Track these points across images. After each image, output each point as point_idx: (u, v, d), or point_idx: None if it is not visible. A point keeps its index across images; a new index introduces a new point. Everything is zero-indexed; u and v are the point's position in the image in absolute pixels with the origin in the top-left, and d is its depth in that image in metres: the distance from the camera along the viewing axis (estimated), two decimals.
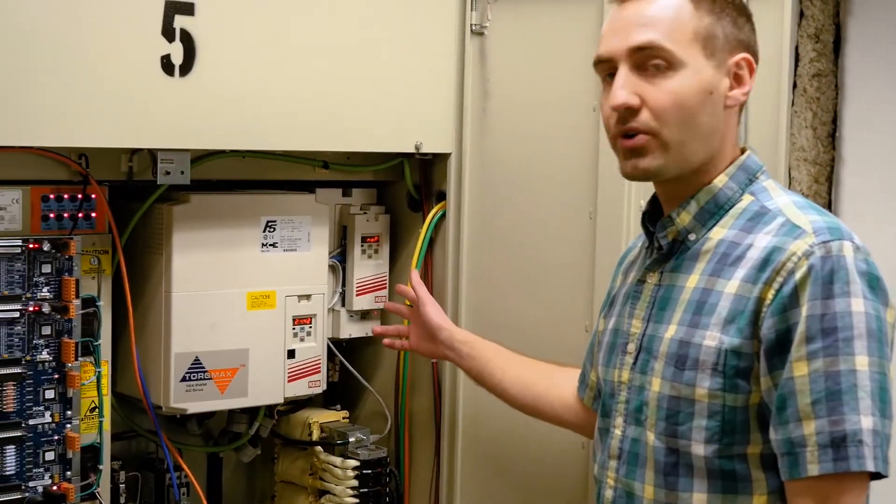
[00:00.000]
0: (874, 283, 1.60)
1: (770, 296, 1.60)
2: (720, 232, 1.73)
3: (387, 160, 2.92)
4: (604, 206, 2.60)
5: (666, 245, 1.76)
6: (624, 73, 1.69)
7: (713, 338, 1.64)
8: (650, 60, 1.68)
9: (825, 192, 2.95)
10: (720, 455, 1.64)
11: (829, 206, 2.83)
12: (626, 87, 1.68)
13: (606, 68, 1.74)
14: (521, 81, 2.76)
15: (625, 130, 1.70)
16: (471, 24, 2.80)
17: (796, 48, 2.68)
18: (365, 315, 2.99)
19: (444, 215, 2.90)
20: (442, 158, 2.88)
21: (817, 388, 1.55)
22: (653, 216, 1.85)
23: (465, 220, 2.85)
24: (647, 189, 2.53)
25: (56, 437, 2.40)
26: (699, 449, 1.65)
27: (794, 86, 2.90)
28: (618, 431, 1.78)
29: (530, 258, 2.76)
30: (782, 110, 2.43)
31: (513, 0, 2.75)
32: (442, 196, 2.92)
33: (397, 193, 3.03)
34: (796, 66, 2.90)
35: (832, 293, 1.57)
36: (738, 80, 1.75)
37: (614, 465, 1.78)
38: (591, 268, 2.56)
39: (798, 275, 1.59)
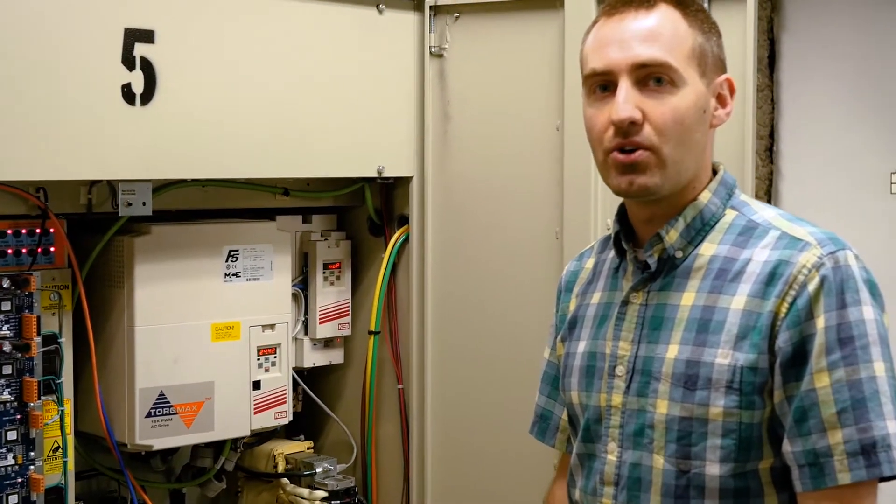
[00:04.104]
0: (874, 290, 1.61)
1: (784, 309, 1.59)
2: (710, 248, 1.71)
3: (347, 185, 2.89)
4: (570, 226, 2.59)
5: (653, 264, 1.74)
6: (626, 87, 1.66)
7: (725, 355, 1.62)
8: (652, 76, 1.66)
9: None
10: (734, 473, 1.62)
11: None
12: (629, 101, 1.66)
13: (600, 81, 1.70)
14: (482, 102, 2.75)
15: (624, 145, 1.67)
16: (430, 46, 2.78)
17: None
18: (328, 343, 2.95)
19: (406, 239, 2.87)
20: (403, 182, 2.86)
21: (841, 397, 1.55)
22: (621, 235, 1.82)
23: (428, 244, 2.82)
24: (613, 208, 2.52)
25: (20, 480, 2.33)
26: (714, 469, 1.63)
27: None
28: (611, 457, 1.73)
29: (497, 280, 2.74)
30: (748, 125, 2.43)
31: (471, 21, 2.74)
32: (404, 220, 2.89)
33: (357, 219, 3.00)
34: None
35: (845, 303, 1.57)
36: (721, 100, 1.75)
37: (611, 492, 1.73)
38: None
39: (811, 287, 1.58)
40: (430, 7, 2.77)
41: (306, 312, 2.91)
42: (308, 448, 2.93)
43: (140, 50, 2.31)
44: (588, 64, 1.72)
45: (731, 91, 1.76)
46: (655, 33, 1.67)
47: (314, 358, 2.93)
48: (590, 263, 1.92)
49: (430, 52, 2.78)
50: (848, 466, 1.55)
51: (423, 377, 2.84)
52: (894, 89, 2.36)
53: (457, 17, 2.75)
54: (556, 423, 1.97)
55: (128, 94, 2.30)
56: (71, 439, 2.43)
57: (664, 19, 1.69)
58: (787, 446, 1.59)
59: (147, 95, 2.32)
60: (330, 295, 2.92)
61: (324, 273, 2.90)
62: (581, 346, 1.82)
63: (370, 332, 2.89)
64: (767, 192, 2.58)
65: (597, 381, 1.77)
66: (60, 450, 2.41)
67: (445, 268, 2.82)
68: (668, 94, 1.66)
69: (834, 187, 2.44)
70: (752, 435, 1.61)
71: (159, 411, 2.52)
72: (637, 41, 1.67)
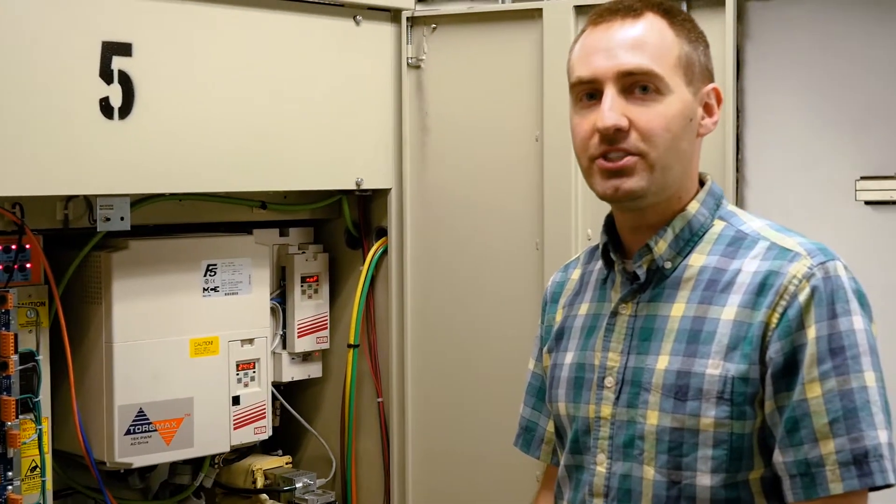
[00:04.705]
0: (863, 300, 1.62)
1: (775, 319, 1.59)
2: (700, 259, 1.71)
3: (324, 198, 2.87)
4: (551, 237, 2.58)
5: (643, 275, 1.73)
6: (611, 94, 1.66)
7: (716, 366, 1.62)
8: (638, 84, 1.66)
9: None
10: (725, 483, 1.62)
11: None
12: (614, 108, 1.65)
13: (586, 89, 1.70)
14: (460, 113, 2.74)
15: (609, 151, 1.66)
16: (407, 58, 2.76)
17: None
18: (307, 357, 2.93)
19: (385, 252, 2.85)
20: (381, 194, 2.84)
21: (833, 407, 1.55)
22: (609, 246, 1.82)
23: (407, 256, 2.81)
24: (594, 218, 2.54)
25: None
26: (705, 479, 1.62)
27: None
28: (601, 468, 1.73)
29: (477, 292, 2.72)
30: (728, 133, 2.44)
31: (449, 32, 2.73)
32: (382, 232, 2.87)
33: (334, 231, 2.98)
34: None
35: (835, 313, 1.58)
36: (707, 109, 1.74)
37: None
38: (539, 300, 2.52)
39: (802, 297, 1.58)
40: (408, 18, 2.76)
41: (284, 326, 2.88)
42: (287, 463, 2.91)
43: (118, 63, 2.28)
44: (574, 72, 1.72)
45: (719, 100, 1.76)
46: (641, 42, 1.67)
47: (292, 372, 2.91)
48: (576, 274, 1.91)
49: (408, 64, 2.77)
50: (840, 476, 1.55)
51: (404, 390, 2.83)
52: (857, 97, 2.38)
53: (434, 29, 2.74)
54: (542, 434, 1.96)
55: (106, 107, 2.27)
56: (49, 458, 2.40)
57: (651, 28, 1.69)
58: (778, 456, 1.59)
59: (125, 109, 2.30)
60: (308, 308, 2.90)
61: (301, 286, 2.88)
62: (569, 358, 1.81)
63: (349, 346, 2.87)
64: (733, 199, 2.60)
65: (585, 392, 1.76)
66: (38, 469, 2.37)
67: (425, 280, 2.80)
68: (654, 102, 1.66)
69: (799, 195, 2.45)
70: (743, 445, 1.61)
71: (139, 428, 2.49)
72: (623, 49, 1.67)
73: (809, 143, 2.43)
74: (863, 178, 2.38)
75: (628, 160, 1.65)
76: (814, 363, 1.56)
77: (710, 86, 1.74)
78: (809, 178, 2.43)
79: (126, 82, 2.29)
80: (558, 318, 1.88)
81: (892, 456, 1.56)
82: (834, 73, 2.37)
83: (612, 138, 1.65)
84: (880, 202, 2.29)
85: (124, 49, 2.29)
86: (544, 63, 2.57)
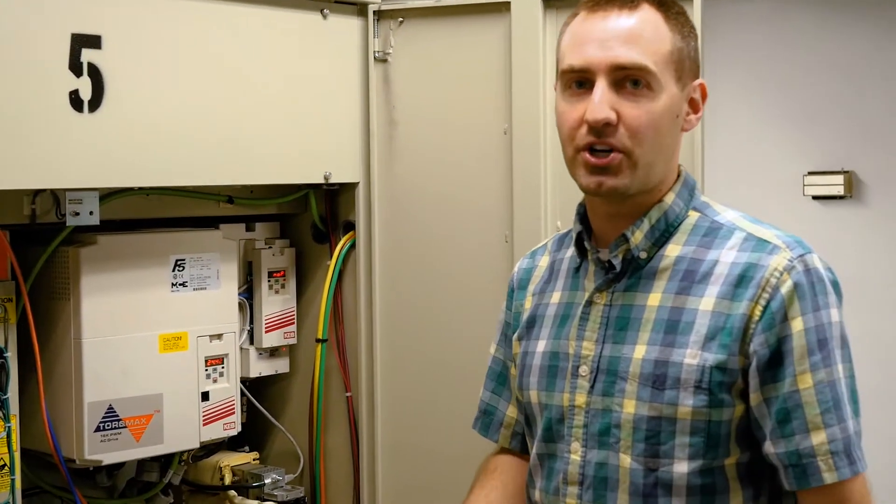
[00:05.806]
0: (838, 291, 1.66)
1: (758, 312, 1.61)
2: (675, 249, 1.72)
3: (291, 192, 2.86)
4: (520, 230, 2.59)
5: (618, 264, 1.74)
6: (602, 87, 1.66)
7: (694, 355, 1.63)
8: (630, 78, 1.66)
9: None
10: (702, 469, 1.64)
11: None
12: (604, 101, 1.66)
13: (576, 77, 1.69)
14: (428, 107, 2.74)
15: (596, 144, 1.67)
16: (374, 52, 2.76)
17: None
18: (274, 352, 2.91)
19: (352, 246, 2.85)
20: (349, 188, 2.84)
21: (824, 398, 1.58)
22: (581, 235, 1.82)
23: (375, 250, 2.80)
24: (563, 211, 2.55)
25: None
26: (682, 467, 1.64)
27: None
28: (575, 457, 1.73)
29: (446, 285, 2.73)
30: (696, 129, 2.45)
31: (416, 26, 2.73)
32: (349, 226, 2.87)
33: (301, 226, 2.97)
34: None
35: (818, 305, 1.61)
36: (693, 105, 1.75)
37: (575, 492, 1.73)
38: None
39: (784, 290, 1.61)
40: (374, 12, 2.76)
41: (251, 321, 2.87)
42: (254, 459, 2.89)
43: (87, 56, 2.26)
44: (566, 60, 1.70)
45: (704, 96, 1.76)
46: (636, 35, 1.66)
47: (260, 367, 2.89)
48: (544, 262, 1.90)
49: (375, 58, 2.77)
50: (834, 465, 1.58)
51: (372, 384, 2.82)
52: (806, 93, 2.41)
53: (401, 22, 2.74)
54: (500, 418, 1.96)
55: (75, 100, 2.25)
56: (18, 456, 2.37)
57: (646, 21, 1.67)
58: (769, 447, 1.61)
59: (95, 102, 2.27)
60: (275, 303, 2.89)
61: (268, 281, 2.87)
62: (541, 346, 1.81)
63: (317, 340, 2.86)
64: None
65: (559, 380, 1.76)
66: (7, 468, 2.35)
67: (393, 274, 2.80)
68: (643, 98, 1.66)
69: (750, 190, 2.48)
70: (720, 432, 1.63)
71: (108, 425, 2.47)
72: (618, 42, 1.66)
73: (759, 139, 2.46)
74: (810, 173, 2.41)
75: (614, 158, 1.66)
76: (804, 355, 1.59)
77: (697, 81, 1.74)
78: (758, 173, 2.47)
79: (96, 75, 2.27)
80: (528, 305, 1.88)
81: (860, 443, 1.61)
82: (783, 69, 2.41)
83: (600, 131, 1.65)
84: (827, 197, 2.31)
85: (94, 41, 2.27)
86: (512, 56, 2.58)
